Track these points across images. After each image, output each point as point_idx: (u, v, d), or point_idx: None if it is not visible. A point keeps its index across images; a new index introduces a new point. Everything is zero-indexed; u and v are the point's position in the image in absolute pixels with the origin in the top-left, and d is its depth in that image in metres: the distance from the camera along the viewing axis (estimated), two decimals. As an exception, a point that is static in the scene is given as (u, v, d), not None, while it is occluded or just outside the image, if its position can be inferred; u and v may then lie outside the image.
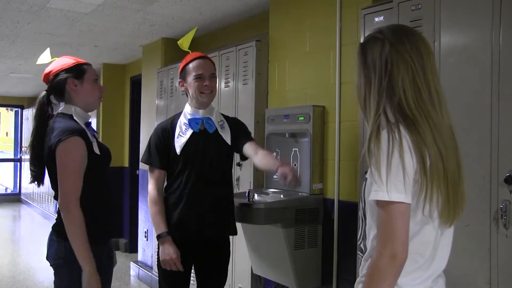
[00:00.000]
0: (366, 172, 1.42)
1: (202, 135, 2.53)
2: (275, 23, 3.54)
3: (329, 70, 3.04)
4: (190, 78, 2.51)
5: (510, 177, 1.88)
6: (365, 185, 1.43)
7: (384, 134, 1.28)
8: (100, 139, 2.32)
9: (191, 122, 2.53)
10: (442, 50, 2.12)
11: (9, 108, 13.06)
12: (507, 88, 1.91)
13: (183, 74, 2.57)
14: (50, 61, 2.35)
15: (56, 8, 4.04)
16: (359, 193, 1.51)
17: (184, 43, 2.75)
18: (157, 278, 2.70)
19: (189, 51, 2.69)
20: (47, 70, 2.26)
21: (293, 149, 3.20)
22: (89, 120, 2.26)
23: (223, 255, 2.63)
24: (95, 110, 2.34)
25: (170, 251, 2.40)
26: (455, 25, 2.11)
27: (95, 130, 2.40)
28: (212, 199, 2.50)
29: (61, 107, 2.23)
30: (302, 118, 3.09)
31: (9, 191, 12.39)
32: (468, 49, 2.05)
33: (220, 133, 2.56)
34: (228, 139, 2.57)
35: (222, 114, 2.68)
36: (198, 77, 2.49)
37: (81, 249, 1.98)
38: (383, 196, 1.25)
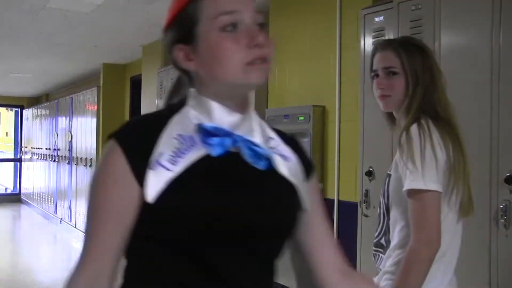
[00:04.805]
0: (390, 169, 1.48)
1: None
2: (275, 23, 3.54)
3: (329, 70, 3.04)
4: None
5: (510, 177, 1.88)
6: (388, 181, 1.48)
7: (414, 130, 1.36)
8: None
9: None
10: (442, 50, 2.12)
11: (9, 108, 13.08)
12: (507, 88, 1.91)
13: None
14: None
15: (56, 8, 4.04)
16: (381, 189, 1.52)
17: None
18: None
19: None
20: None
21: (293, 149, 3.20)
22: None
23: None
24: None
25: None
26: (455, 25, 2.11)
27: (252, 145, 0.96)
28: None
29: None
30: (302, 118, 3.09)
31: (9, 191, 12.38)
32: (468, 49, 2.05)
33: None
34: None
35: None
36: None
37: None
38: (420, 185, 1.32)
